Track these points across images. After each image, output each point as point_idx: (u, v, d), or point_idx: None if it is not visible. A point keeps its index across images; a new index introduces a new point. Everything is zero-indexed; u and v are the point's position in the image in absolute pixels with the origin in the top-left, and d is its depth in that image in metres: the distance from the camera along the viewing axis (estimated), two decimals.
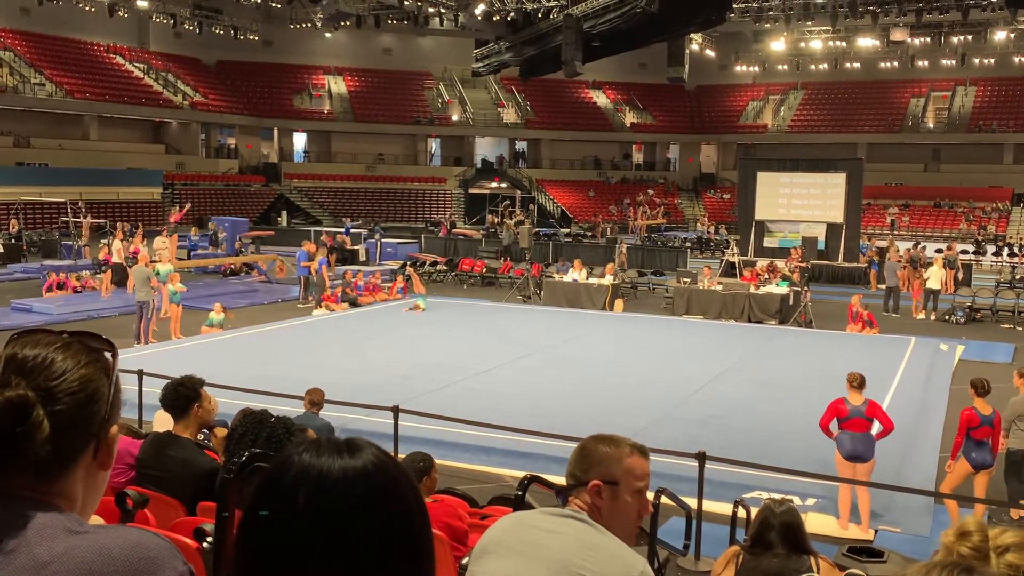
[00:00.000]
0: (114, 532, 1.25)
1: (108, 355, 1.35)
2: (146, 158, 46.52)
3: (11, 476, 1.24)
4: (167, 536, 1.34)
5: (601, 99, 58.30)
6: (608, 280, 23.44)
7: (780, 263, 25.89)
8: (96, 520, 1.39)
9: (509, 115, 55.90)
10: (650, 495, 7.21)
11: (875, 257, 28.89)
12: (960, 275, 26.68)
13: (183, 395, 5.06)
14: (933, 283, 22.49)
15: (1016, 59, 47.43)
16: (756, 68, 54.77)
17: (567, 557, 2.22)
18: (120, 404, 1.38)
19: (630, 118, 57.53)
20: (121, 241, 24.79)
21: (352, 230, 35.51)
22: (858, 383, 8.90)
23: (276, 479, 1.17)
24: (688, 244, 38.85)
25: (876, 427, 8.88)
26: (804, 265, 25.74)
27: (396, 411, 9.92)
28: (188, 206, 35.49)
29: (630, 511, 2.40)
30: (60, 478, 1.27)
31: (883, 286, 24.54)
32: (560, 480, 2.57)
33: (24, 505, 1.23)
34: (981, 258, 34.88)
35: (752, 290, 22.20)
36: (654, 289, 26.69)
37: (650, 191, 53.88)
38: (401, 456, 6.85)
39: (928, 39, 45.09)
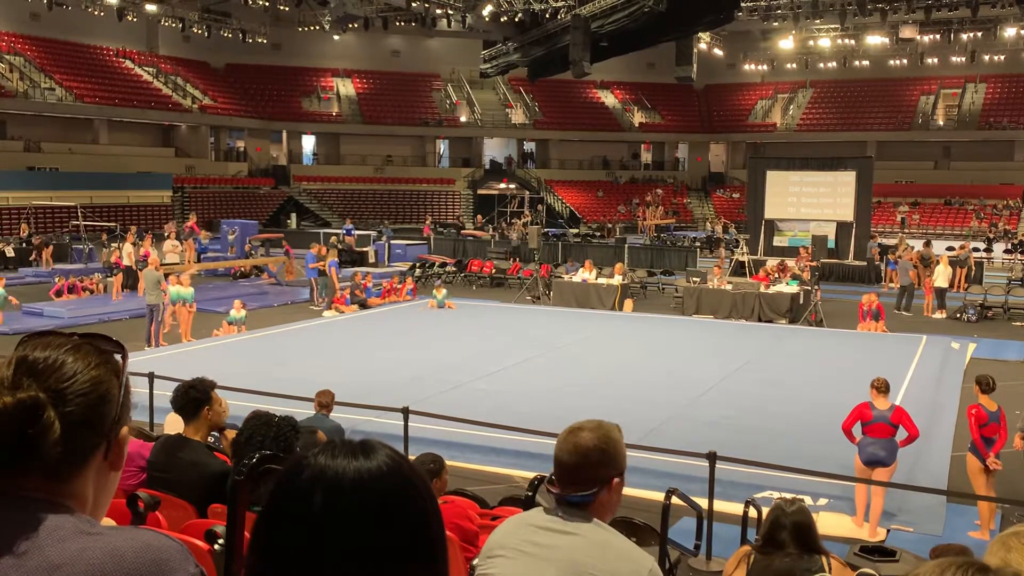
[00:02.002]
0: (126, 533, 1.26)
1: (118, 357, 1.36)
2: (156, 162, 46.69)
3: (23, 478, 1.24)
4: (178, 538, 1.35)
5: (609, 99, 58.27)
6: (617, 280, 23.43)
7: (791, 262, 25.83)
8: (107, 522, 1.40)
9: (517, 116, 55.89)
10: (661, 495, 7.20)
11: (891, 257, 28.76)
12: (972, 273, 26.57)
13: (193, 398, 5.07)
14: (940, 281, 22.44)
15: None
16: (765, 67, 54.64)
17: (576, 558, 2.21)
18: (131, 405, 1.38)
19: (638, 118, 57.47)
20: (132, 244, 24.92)
21: (355, 232, 35.46)
22: (884, 388, 8.84)
23: (291, 481, 1.17)
24: (697, 243, 38.77)
25: (901, 433, 8.82)
26: (814, 264, 25.67)
27: (406, 412, 9.93)
28: (193, 216, 35.80)
29: (620, 494, 2.40)
30: (71, 479, 1.28)
31: (894, 284, 24.47)
32: None
33: (36, 506, 1.24)
34: (992, 255, 34.73)
35: (762, 289, 22.14)
36: (663, 289, 26.65)
37: (659, 191, 53.80)
38: (411, 457, 6.86)
39: (937, 36, 44.90)
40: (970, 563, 1.36)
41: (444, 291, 23.13)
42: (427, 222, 42.98)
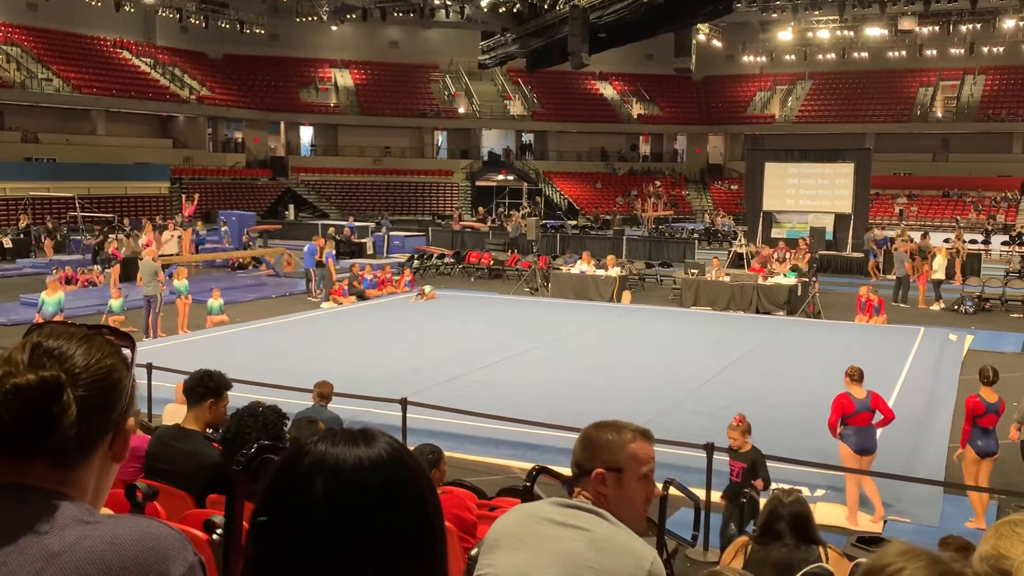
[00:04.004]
0: (125, 522, 1.27)
1: (126, 350, 1.38)
2: (153, 152, 46.61)
3: (30, 463, 1.25)
4: (177, 527, 1.36)
5: (608, 90, 58.17)
6: (615, 272, 23.43)
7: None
8: (105, 512, 1.40)
9: (515, 107, 55.81)
10: (658, 486, 7.21)
11: (873, 247, 28.78)
12: (964, 261, 26.60)
13: (205, 385, 5.06)
14: (939, 273, 22.49)
15: None
16: (763, 58, 54.55)
17: (578, 550, 2.21)
18: (135, 398, 1.40)
19: (637, 109, 57.38)
20: (151, 234, 25.14)
21: (355, 227, 35.25)
22: (859, 376, 8.88)
23: (292, 468, 1.17)
24: (696, 235, 38.75)
25: (876, 416, 8.87)
26: (810, 256, 25.66)
27: (404, 403, 9.95)
28: (197, 196, 35.45)
29: (637, 497, 2.39)
30: (77, 466, 1.29)
31: (891, 276, 24.50)
32: (568, 471, 2.56)
33: (37, 495, 1.24)
34: (990, 248, 34.75)
35: (760, 281, 22.16)
36: (662, 281, 26.66)
37: (657, 183, 53.78)
38: (410, 448, 6.86)
39: (936, 28, 44.85)
40: (935, 560, 1.35)
41: (428, 286, 23.21)
42: (456, 216, 42.98)
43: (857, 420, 8.71)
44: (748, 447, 7.71)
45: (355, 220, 37.29)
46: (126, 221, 32.95)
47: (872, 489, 8.73)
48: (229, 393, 5.20)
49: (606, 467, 2.35)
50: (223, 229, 30.69)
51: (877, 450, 8.82)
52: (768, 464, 9.05)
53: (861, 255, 29.09)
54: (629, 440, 2.39)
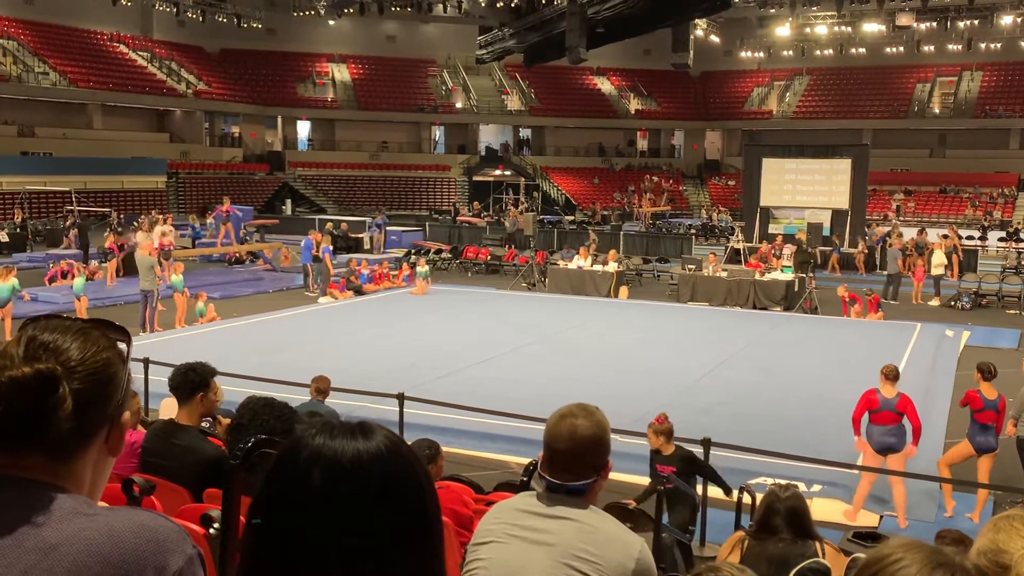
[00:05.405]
0: (123, 514, 1.26)
1: (122, 344, 1.37)
2: (150, 147, 46.51)
3: (27, 456, 1.25)
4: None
5: (605, 86, 58.11)
6: (613, 267, 23.44)
7: (788, 249, 25.82)
8: (102, 506, 1.40)
9: (513, 102, 55.74)
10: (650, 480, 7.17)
11: (836, 242, 28.82)
12: (961, 258, 26.65)
13: (191, 380, 5.04)
14: (939, 269, 22.53)
15: (1023, 44, 47.13)
16: (761, 54, 54.45)
17: (568, 541, 2.23)
18: (131, 393, 1.40)
19: (634, 105, 57.32)
20: (160, 226, 25.16)
21: (385, 225, 34.38)
22: (893, 375, 8.82)
23: (289, 461, 1.17)
24: (693, 231, 38.78)
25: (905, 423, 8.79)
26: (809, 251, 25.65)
27: (401, 398, 9.96)
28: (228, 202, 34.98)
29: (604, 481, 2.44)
30: (73, 459, 1.29)
31: (883, 272, 24.57)
32: None
33: (34, 487, 1.24)
34: (986, 244, 34.78)
35: (757, 276, 22.17)
36: (659, 276, 26.66)
37: (655, 178, 53.75)
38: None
39: (934, 24, 44.82)
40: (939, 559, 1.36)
41: (426, 267, 23.32)
42: (462, 210, 42.88)
43: (879, 418, 8.65)
44: (671, 450, 7.39)
45: (383, 217, 36.20)
46: (117, 215, 32.83)
47: (899, 491, 8.61)
48: (225, 389, 5.19)
49: (606, 462, 2.38)
50: (209, 222, 30.61)
51: (907, 448, 8.66)
52: (764, 459, 9.08)
53: (854, 251, 29.12)
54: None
